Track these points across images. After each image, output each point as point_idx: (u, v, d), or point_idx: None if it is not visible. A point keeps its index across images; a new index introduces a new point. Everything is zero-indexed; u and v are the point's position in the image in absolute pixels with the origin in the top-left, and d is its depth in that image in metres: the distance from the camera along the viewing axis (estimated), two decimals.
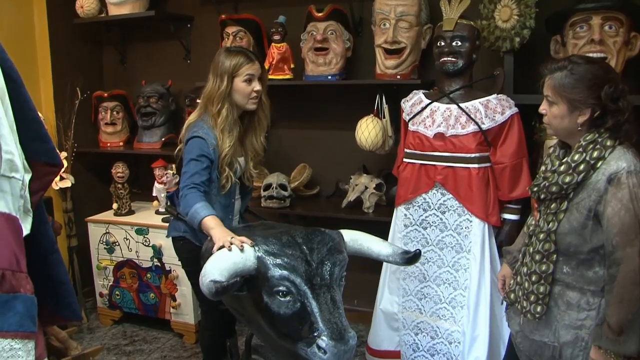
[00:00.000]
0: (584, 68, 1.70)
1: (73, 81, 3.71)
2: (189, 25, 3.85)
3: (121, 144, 3.98)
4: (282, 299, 1.84)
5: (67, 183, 3.65)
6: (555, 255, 1.77)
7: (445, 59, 2.60)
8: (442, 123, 2.59)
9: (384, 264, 2.82)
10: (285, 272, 1.84)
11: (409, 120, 2.75)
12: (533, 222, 1.90)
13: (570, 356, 1.78)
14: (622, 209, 1.62)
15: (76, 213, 3.83)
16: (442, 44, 2.61)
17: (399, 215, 2.79)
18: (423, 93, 2.78)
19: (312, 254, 1.90)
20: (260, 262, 1.87)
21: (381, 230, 2.91)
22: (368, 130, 3.03)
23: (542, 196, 1.79)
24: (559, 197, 1.74)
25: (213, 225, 2.06)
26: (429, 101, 2.69)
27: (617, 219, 1.63)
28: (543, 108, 1.80)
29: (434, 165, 2.64)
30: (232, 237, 1.94)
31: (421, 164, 2.68)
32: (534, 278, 1.82)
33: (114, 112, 3.92)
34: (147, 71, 3.95)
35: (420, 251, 2.06)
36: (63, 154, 3.63)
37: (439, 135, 2.61)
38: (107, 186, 3.85)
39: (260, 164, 2.63)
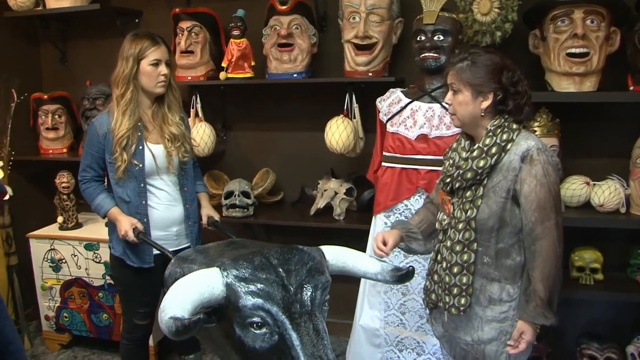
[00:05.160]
0: (483, 56, 1.80)
1: (7, 82, 3.40)
2: (137, 20, 3.58)
3: (64, 150, 3.69)
4: (257, 331, 1.61)
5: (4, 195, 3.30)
6: (475, 244, 1.82)
7: (426, 54, 2.44)
8: (424, 124, 2.44)
9: None
10: (259, 301, 1.60)
11: (387, 121, 2.58)
12: (445, 218, 1.92)
13: (494, 354, 1.86)
14: (537, 184, 1.72)
15: (16, 228, 3.51)
16: (423, 38, 2.44)
17: (379, 223, 2.62)
18: (401, 91, 2.60)
19: (289, 277, 1.67)
20: (230, 289, 1.63)
21: (353, 237, 2.78)
22: (339, 132, 2.84)
23: (457, 184, 1.84)
24: (473, 183, 1.80)
25: (116, 215, 2.36)
26: (409, 100, 2.53)
27: (533, 195, 1.73)
28: (448, 98, 1.87)
29: (417, 169, 2.50)
30: (133, 227, 2.31)
31: (402, 168, 2.53)
32: (455, 270, 1.86)
33: (56, 116, 3.62)
34: (92, 71, 3.63)
35: (413, 268, 1.86)
36: None
37: (422, 137, 2.46)
38: (51, 198, 3.54)
39: (191, 151, 2.55)
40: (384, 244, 1.99)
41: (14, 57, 3.64)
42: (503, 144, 1.77)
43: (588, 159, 2.83)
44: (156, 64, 2.34)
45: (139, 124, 2.37)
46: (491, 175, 1.79)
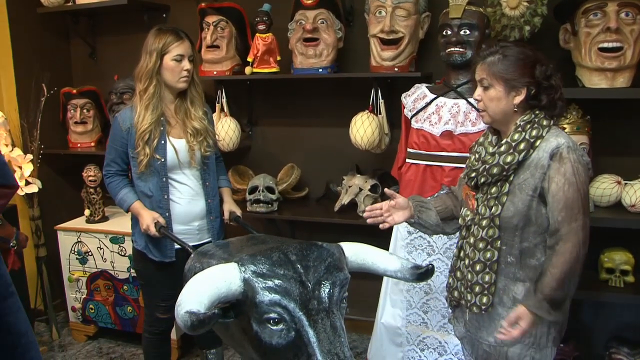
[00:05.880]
0: (514, 50, 1.74)
1: (38, 77, 3.45)
2: (164, 15, 3.60)
3: (92, 144, 3.72)
4: (274, 327, 1.59)
5: (34, 188, 3.37)
6: (499, 242, 1.77)
7: (452, 49, 2.39)
8: (449, 120, 2.39)
9: None
10: (276, 297, 1.58)
11: (411, 117, 2.54)
12: (468, 213, 1.87)
13: (517, 357, 1.80)
14: (565, 183, 1.66)
15: (44, 220, 3.57)
16: (449, 32, 2.39)
17: None
18: (426, 87, 2.56)
19: (307, 273, 1.64)
20: (247, 285, 1.61)
21: (377, 235, 2.71)
22: (364, 128, 2.81)
23: (483, 180, 1.78)
24: (499, 179, 1.75)
25: (139, 209, 2.38)
26: (434, 96, 2.48)
27: (561, 194, 1.67)
28: (478, 94, 1.80)
29: (441, 166, 2.45)
30: (155, 221, 2.31)
31: (426, 164, 2.49)
32: (478, 267, 1.81)
33: (84, 110, 3.66)
34: (120, 65, 3.65)
35: (433, 266, 1.82)
36: (28, 157, 3.35)
37: (447, 134, 2.41)
38: (78, 191, 3.59)
39: (214, 145, 2.54)
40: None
41: (45, 52, 3.70)
42: (532, 140, 1.71)
43: (619, 157, 2.74)
44: (179, 59, 2.33)
45: (162, 118, 2.37)
46: (518, 172, 1.73)
